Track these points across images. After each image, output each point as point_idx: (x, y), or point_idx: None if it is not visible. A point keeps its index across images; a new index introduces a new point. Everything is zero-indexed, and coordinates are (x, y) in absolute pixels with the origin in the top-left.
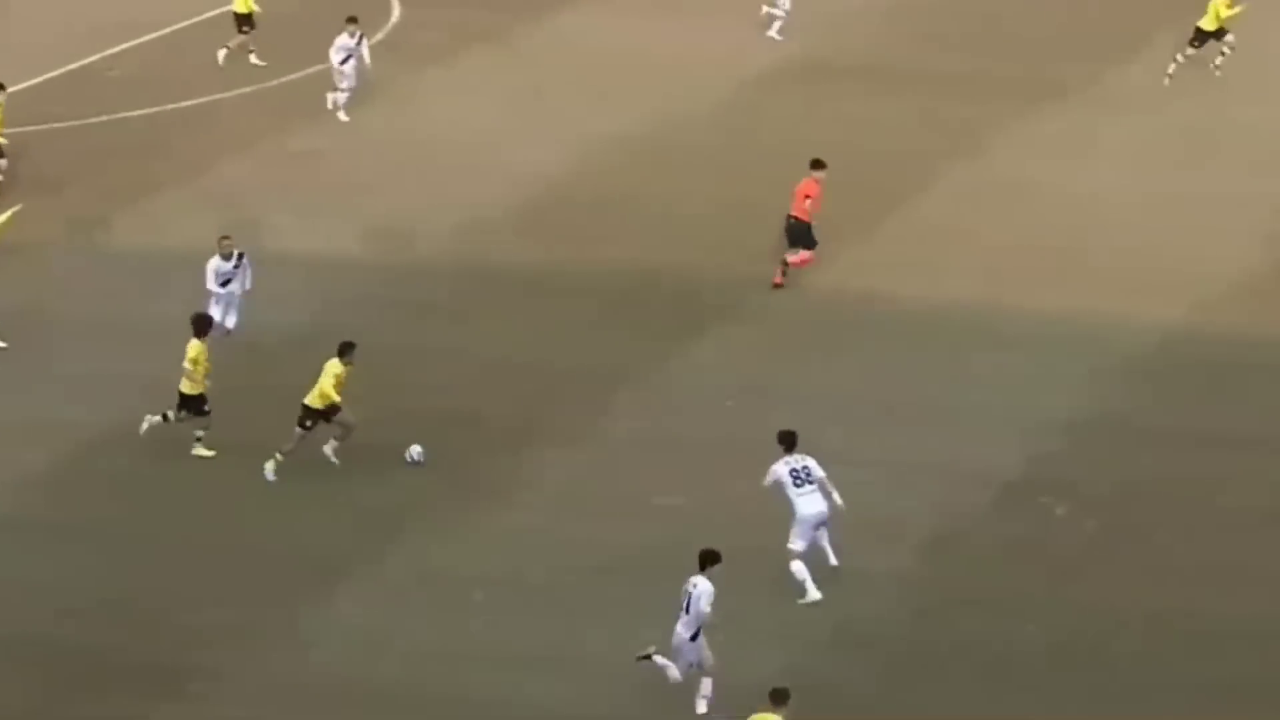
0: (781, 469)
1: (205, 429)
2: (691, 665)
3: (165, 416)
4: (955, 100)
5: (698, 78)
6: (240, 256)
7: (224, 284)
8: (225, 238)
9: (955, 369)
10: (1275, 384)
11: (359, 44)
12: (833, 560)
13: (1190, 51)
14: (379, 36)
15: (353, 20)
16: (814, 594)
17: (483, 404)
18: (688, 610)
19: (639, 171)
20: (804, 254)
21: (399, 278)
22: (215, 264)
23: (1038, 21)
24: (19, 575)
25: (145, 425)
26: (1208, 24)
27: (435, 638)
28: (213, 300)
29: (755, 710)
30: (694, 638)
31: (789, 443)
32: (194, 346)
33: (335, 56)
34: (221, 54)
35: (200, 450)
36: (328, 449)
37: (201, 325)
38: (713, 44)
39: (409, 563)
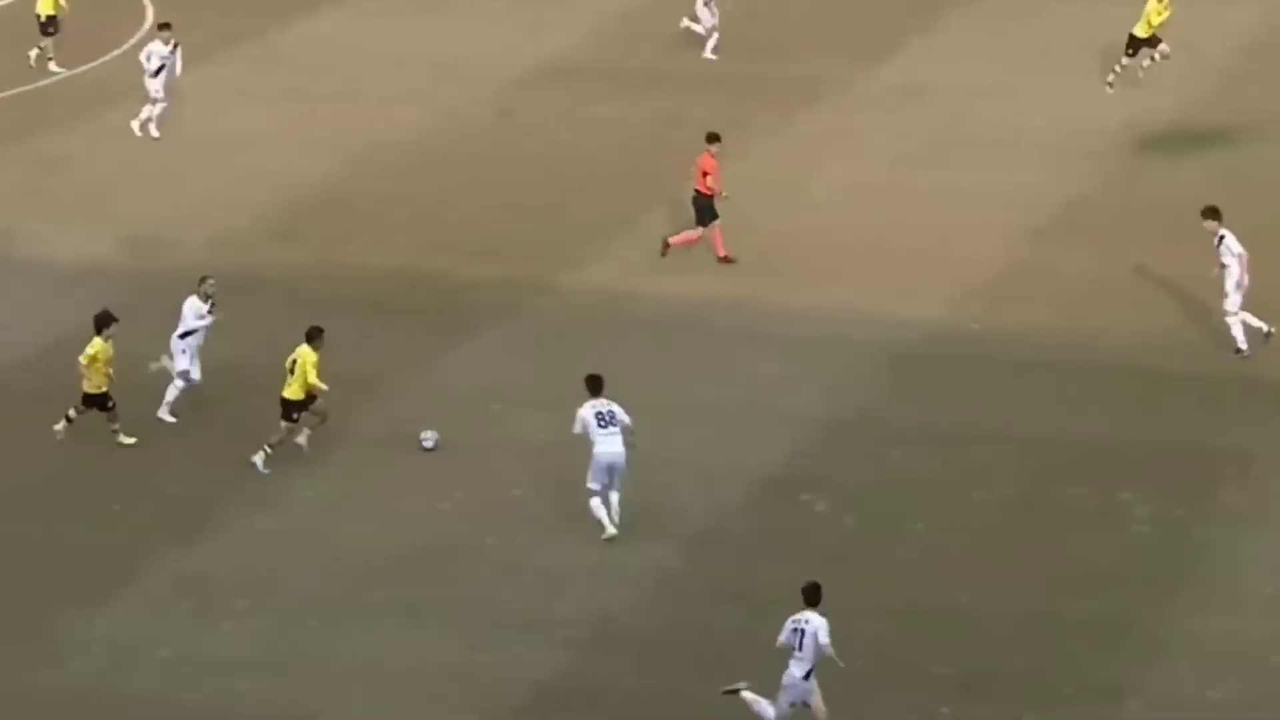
0: (588, 412)
1: (115, 420)
2: (793, 705)
3: (68, 417)
4: (714, 100)
5: (458, 80)
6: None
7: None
8: (207, 278)
9: (717, 367)
10: (1025, 379)
11: (174, 52)
12: (611, 528)
13: (1126, 60)
14: (133, 40)
15: (166, 26)
16: (610, 530)
17: (244, 412)
18: (800, 648)
19: (402, 175)
20: (688, 233)
21: (156, 286)
22: (193, 305)
23: (789, 22)
24: None
25: (59, 432)
26: (1141, 31)
27: (194, 645)
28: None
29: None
30: (807, 676)
31: (595, 387)
32: (94, 344)
33: (149, 65)
34: (33, 54)
35: (123, 439)
36: (302, 439)
37: (103, 321)
38: (472, 46)
39: (168, 568)
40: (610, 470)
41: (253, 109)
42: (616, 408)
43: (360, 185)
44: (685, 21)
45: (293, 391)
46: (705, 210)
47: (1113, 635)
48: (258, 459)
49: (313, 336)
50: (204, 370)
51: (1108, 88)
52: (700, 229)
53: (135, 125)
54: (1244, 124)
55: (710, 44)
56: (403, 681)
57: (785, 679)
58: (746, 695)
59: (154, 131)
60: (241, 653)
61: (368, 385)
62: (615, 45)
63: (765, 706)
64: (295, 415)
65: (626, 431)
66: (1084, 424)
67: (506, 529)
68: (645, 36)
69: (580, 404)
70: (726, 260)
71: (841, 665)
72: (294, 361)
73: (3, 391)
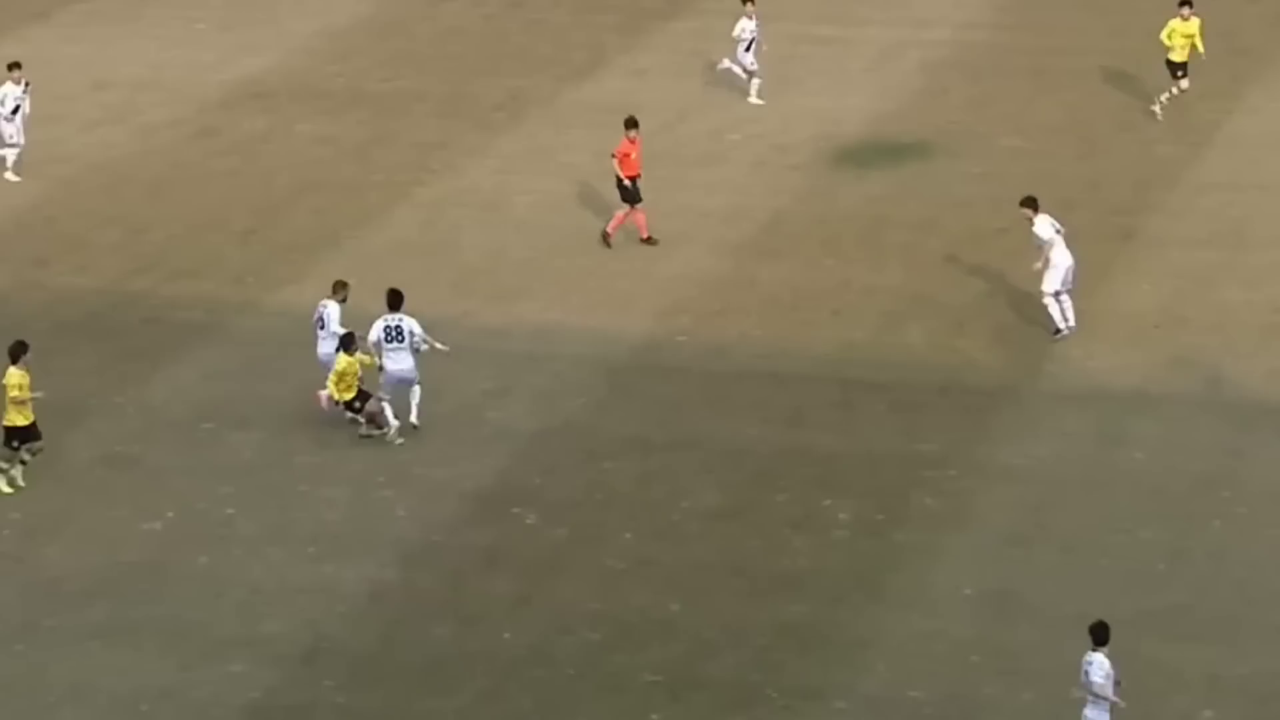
0: (379, 325)
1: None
2: None
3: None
4: (420, 119)
5: (162, 100)
6: None
7: None
8: None
9: (428, 383)
10: (730, 390)
11: (25, 92)
12: (414, 418)
13: (1184, 85)
14: None
15: (17, 66)
16: (393, 424)
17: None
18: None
19: (106, 196)
20: (619, 214)
21: None
22: None
23: (492, 40)
24: None
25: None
26: (1178, 56)
27: None
28: None
29: None
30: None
31: (393, 302)
32: (14, 374)
33: (5, 109)
34: None
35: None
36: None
37: (18, 350)
38: (175, 67)
39: None
40: (399, 383)
41: None
42: (409, 323)
43: (64, 206)
44: (725, 63)
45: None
46: (630, 192)
47: (817, 638)
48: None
49: (348, 345)
50: None
51: (1156, 115)
52: (628, 208)
53: (5, 172)
54: (935, 137)
55: (754, 87)
56: (115, 703)
57: None
58: None
59: (11, 176)
60: None
61: (75, 407)
62: (320, 65)
63: None
64: (359, 404)
65: (414, 344)
66: (785, 432)
67: (219, 548)
68: (350, 56)
69: (290, 420)
70: (649, 241)
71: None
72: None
73: None
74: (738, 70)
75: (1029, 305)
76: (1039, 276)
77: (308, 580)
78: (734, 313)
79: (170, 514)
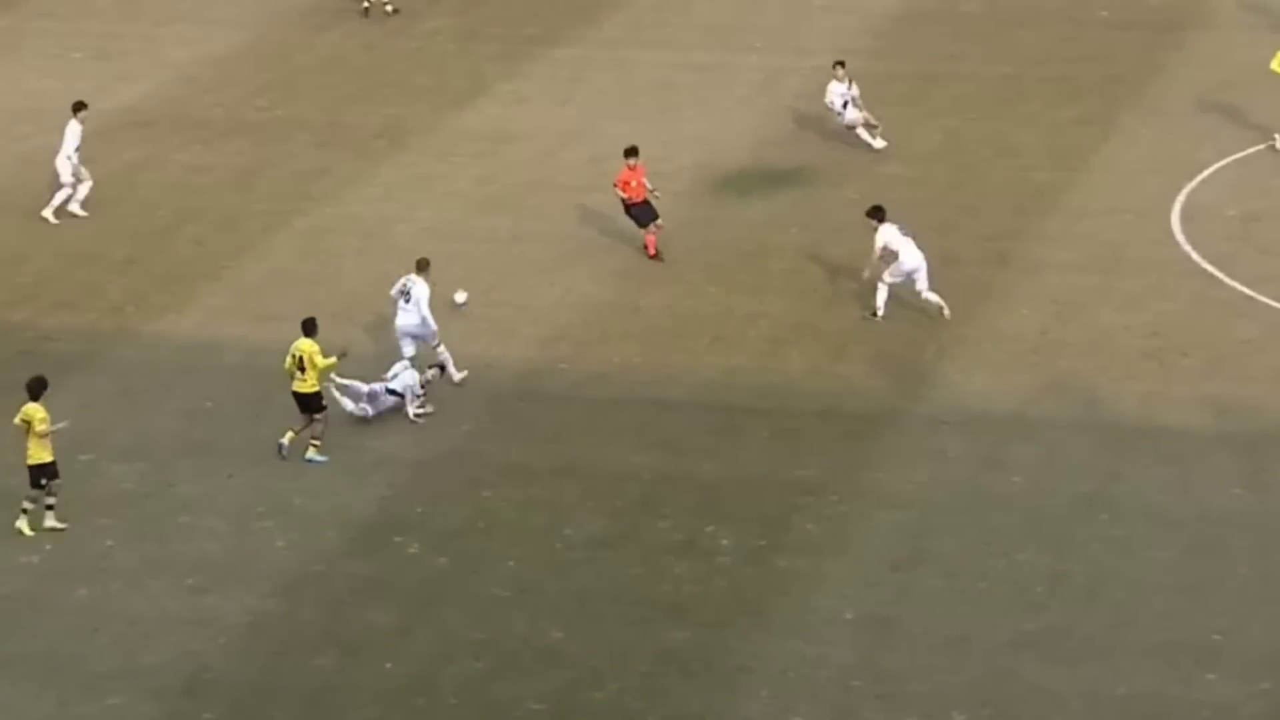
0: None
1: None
2: None
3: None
4: (299, 148)
5: (36, 129)
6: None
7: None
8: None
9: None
10: (611, 417)
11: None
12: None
13: None
14: None
15: (83, 106)
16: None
17: None
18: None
19: None
20: (656, 228)
21: None
22: None
23: (373, 69)
24: None
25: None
26: None
27: None
28: None
29: None
30: None
31: (420, 265)
32: (36, 410)
33: (69, 146)
34: None
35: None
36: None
37: (38, 387)
38: (49, 96)
39: None
40: (407, 341)
41: None
42: (417, 288)
43: None
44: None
45: (305, 387)
46: (644, 213)
47: (700, 664)
48: (312, 455)
49: (310, 330)
50: None
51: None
52: (651, 227)
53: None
54: (815, 164)
55: (875, 138)
56: None
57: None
58: None
59: (80, 210)
60: None
61: None
62: (198, 94)
63: None
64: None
65: (419, 306)
66: (667, 459)
67: (97, 580)
68: (228, 84)
69: (169, 450)
70: (657, 258)
71: None
72: (296, 357)
73: None
74: (864, 135)
75: (909, 330)
76: (873, 277)
77: (188, 612)
78: (616, 339)
79: (48, 546)
